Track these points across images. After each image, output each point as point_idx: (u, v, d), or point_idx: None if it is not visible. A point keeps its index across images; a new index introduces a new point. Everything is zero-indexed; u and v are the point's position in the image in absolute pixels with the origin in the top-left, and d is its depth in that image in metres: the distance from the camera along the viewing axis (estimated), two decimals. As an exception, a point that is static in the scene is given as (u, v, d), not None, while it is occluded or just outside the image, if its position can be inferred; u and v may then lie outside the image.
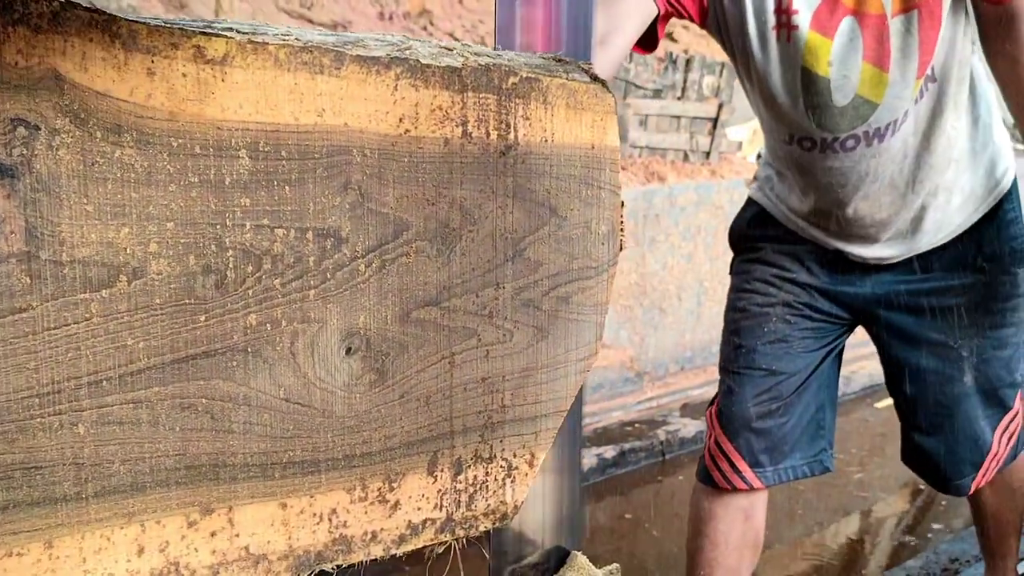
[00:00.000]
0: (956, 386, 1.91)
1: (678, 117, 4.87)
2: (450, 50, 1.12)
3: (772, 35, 1.72)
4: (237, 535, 0.99)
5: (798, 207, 1.92)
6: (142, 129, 0.87)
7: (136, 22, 0.85)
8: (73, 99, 0.83)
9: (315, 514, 1.04)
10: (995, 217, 1.89)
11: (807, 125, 1.77)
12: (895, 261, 1.90)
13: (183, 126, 0.89)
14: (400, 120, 1.05)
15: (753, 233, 2.04)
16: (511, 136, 1.15)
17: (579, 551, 1.37)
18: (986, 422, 1.93)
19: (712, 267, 4.52)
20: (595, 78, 1.24)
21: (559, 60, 1.24)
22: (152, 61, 0.87)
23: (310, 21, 5.14)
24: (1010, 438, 1.97)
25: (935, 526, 3.36)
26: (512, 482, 1.23)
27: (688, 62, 4.96)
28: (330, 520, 1.05)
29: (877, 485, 3.72)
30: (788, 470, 1.96)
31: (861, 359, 4.55)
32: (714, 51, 5.33)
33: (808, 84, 1.72)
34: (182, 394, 0.92)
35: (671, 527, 3.19)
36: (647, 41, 1.76)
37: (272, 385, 0.99)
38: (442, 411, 1.14)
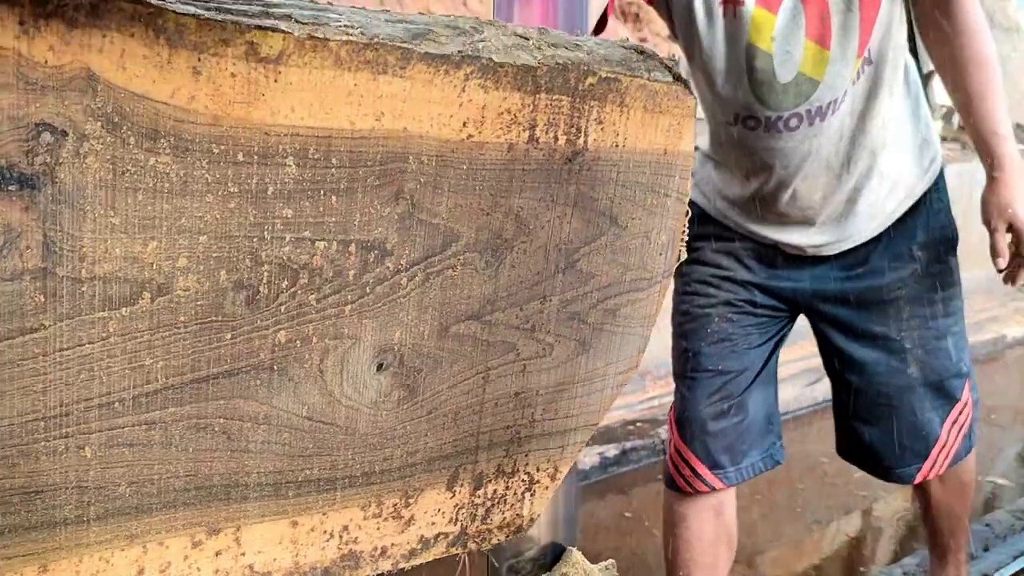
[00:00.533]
0: (901, 378, 1.88)
1: (681, 117, 4.75)
2: (526, 40, 1.01)
3: (719, 11, 1.72)
4: (243, 554, 0.93)
5: (738, 194, 1.88)
6: (181, 135, 0.78)
7: (184, 14, 0.75)
8: (107, 101, 0.73)
9: (326, 531, 0.99)
10: (925, 206, 1.87)
11: (752, 103, 1.74)
12: (831, 252, 1.87)
13: (227, 131, 0.80)
14: (464, 124, 0.95)
15: (690, 233, 2.01)
16: (580, 141, 1.05)
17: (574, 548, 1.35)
18: (934, 413, 1.92)
19: (715, 266, 4.45)
20: (677, 78, 1.13)
21: (642, 53, 1.12)
22: (199, 59, 0.77)
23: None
24: (960, 429, 1.95)
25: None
26: (532, 495, 1.18)
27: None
28: (340, 536, 1.00)
29: (878, 484, 3.70)
30: (749, 468, 1.96)
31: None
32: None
33: (752, 60, 1.71)
34: (199, 415, 0.86)
35: (671, 525, 3.26)
36: (596, 25, 1.71)
37: (296, 403, 0.92)
38: (470, 426, 1.07)
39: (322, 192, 0.87)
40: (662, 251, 1.19)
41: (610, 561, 1.37)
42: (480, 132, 0.97)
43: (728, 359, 1.88)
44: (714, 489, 1.92)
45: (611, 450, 3.67)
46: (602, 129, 1.07)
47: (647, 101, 1.10)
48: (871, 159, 1.81)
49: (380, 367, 0.97)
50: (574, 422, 1.18)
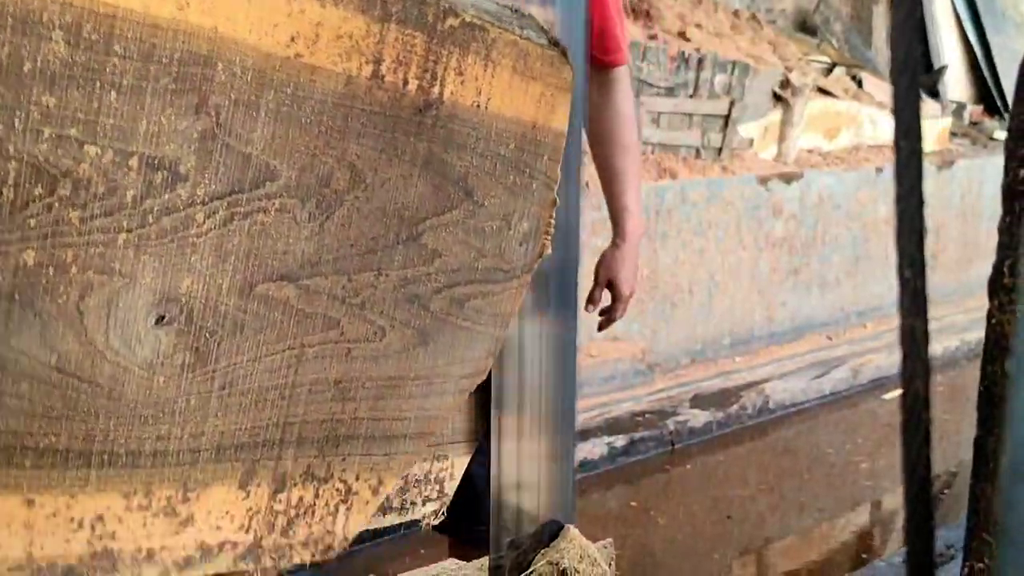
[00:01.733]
0: None
1: (690, 115, 4.86)
2: (382, -35, 0.87)
3: None
4: None
5: None
6: None
7: None
8: None
9: (73, 519, 0.80)
10: None
11: None
12: None
13: (-30, -23, 0.64)
14: (292, 39, 0.80)
15: None
16: (435, 90, 0.91)
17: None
18: None
19: (723, 262, 4.52)
20: (554, 43, 1.00)
21: (516, 11, 1.00)
22: None
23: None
24: None
25: (938, 516, 3.38)
26: (348, 509, 1.00)
27: (700, 61, 4.95)
28: (93, 528, 0.81)
29: (884, 475, 3.82)
30: None
31: (869, 352, 4.73)
32: (726, 50, 5.29)
33: None
34: None
35: (677, 515, 3.37)
36: None
37: (42, 348, 0.74)
38: (275, 413, 0.90)
39: (99, 84, 0.71)
40: (523, 241, 1.05)
41: (608, 540, 1.37)
42: (312, 53, 0.82)
43: None
44: None
45: (619, 440, 3.72)
46: (462, 82, 0.93)
47: (517, 61, 0.97)
48: None
49: (160, 320, 0.80)
50: (405, 427, 1.02)
